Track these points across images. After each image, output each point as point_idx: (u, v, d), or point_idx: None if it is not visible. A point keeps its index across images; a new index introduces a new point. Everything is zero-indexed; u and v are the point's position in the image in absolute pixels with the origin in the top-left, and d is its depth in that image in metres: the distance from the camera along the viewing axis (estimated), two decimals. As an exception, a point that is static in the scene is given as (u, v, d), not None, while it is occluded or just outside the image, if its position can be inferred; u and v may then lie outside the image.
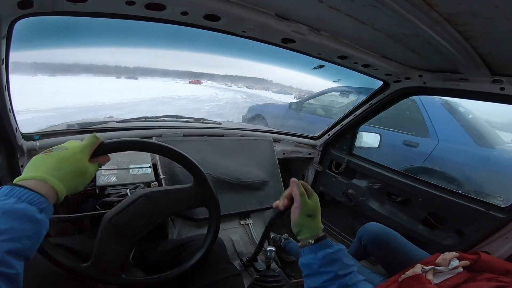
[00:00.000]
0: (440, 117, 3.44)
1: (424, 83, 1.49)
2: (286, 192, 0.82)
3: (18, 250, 0.48)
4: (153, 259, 1.18)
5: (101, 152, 0.72)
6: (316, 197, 0.81)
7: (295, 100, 5.72)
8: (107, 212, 0.96)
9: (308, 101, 5.70)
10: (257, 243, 1.73)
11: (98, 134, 0.70)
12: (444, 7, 0.72)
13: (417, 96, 3.32)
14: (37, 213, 0.52)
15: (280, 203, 0.82)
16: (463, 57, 1.06)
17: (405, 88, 1.61)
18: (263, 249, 1.72)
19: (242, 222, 1.83)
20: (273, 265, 1.54)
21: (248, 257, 1.56)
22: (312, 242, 0.75)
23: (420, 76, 1.48)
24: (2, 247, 0.46)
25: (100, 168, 0.74)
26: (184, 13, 0.91)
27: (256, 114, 6.05)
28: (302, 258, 0.76)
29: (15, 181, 0.56)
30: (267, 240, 1.86)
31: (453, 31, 0.84)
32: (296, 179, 0.80)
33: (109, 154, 0.77)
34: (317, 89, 5.76)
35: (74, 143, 0.67)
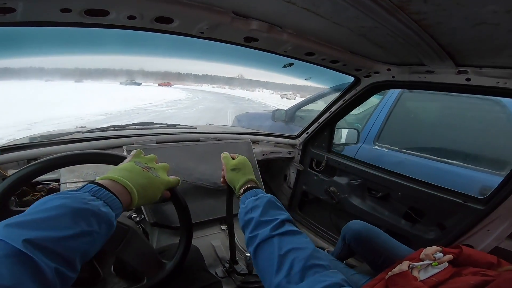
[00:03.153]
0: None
1: (393, 76, 1.49)
2: None
3: (90, 253, 0.48)
4: (131, 269, 1.15)
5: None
6: (240, 157, 0.93)
7: (283, 108, 3.96)
8: None
9: (304, 108, 4.01)
10: (240, 248, 1.69)
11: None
12: (394, -5, 0.71)
13: (508, 105, 1.98)
14: (114, 220, 0.54)
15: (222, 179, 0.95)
16: (425, 48, 1.05)
17: (376, 83, 1.61)
18: (243, 252, 1.69)
19: (223, 227, 1.80)
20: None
21: (227, 261, 1.52)
22: (242, 192, 0.81)
23: (388, 70, 1.48)
24: (80, 248, 0.45)
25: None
26: (132, 17, 0.86)
27: (241, 126, 4.49)
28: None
29: (102, 178, 0.60)
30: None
31: (408, 20, 0.82)
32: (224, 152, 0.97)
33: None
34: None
35: (165, 174, 0.75)
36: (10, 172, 1.27)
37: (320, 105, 3.94)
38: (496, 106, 2.03)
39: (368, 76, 1.60)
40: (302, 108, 3.93)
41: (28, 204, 1.24)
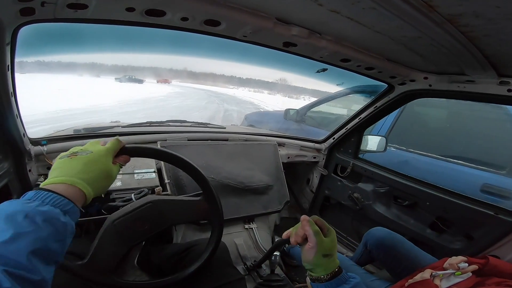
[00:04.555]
0: None
1: (430, 85, 1.47)
2: (298, 227, 0.73)
3: (43, 252, 0.47)
4: (157, 263, 1.19)
5: (121, 153, 0.74)
6: (333, 233, 0.73)
7: (294, 107, 3.91)
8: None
9: (314, 109, 4.04)
10: (261, 247, 1.72)
11: (120, 138, 0.73)
12: (445, 8, 0.71)
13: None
14: (61, 216, 0.52)
15: (292, 239, 0.74)
16: (468, 58, 1.04)
17: (410, 91, 1.59)
18: (264, 252, 1.71)
19: (246, 226, 1.82)
20: (277, 269, 1.52)
21: (252, 263, 1.55)
22: (327, 278, 0.69)
23: (426, 78, 1.46)
24: (25, 249, 0.45)
25: (121, 169, 0.75)
26: (184, 19, 0.92)
27: (250, 124, 4.58)
28: None
29: (41, 185, 0.57)
30: (271, 244, 1.85)
31: (456, 32, 0.82)
32: (307, 217, 0.72)
33: None
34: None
35: (98, 146, 0.68)
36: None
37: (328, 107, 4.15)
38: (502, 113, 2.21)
39: (403, 83, 1.58)
40: (313, 109, 3.99)
41: None
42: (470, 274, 0.98)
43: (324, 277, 0.69)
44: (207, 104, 16.09)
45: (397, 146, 2.80)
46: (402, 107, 2.59)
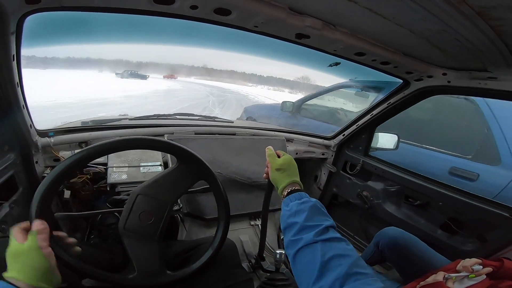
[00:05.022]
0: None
1: (449, 81, 1.40)
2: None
3: None
4: (163, 259, 1.18)
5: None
6: (286, 156, 0.90)
7: (290, 100, 4.27)
8: (115, 210, 1.01)
9: (309, 102, 4.38)
10: (267, 245, 1.70)
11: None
12: (477, 0, 0.66)
13: (480, 98, 2.33)
14: None
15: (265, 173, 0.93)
16: (494, 54, 0.98)
17: (427, 87, 1.53)
18: (270, 250, 1.69)
19: (252, 223, 1.80)
20: (283, 267, 1.50)
21: (255, 256, 1.53)
22: (285, 194, 0.80)
23: (444, 74, 1.39)
24: None
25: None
26: (194, 7, 0.88)
27: (249, 116, 5.05)
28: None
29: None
30: (277, 243, 1.83)
31: (484, 26, 0.77)
32: (270, 147, 0.93)
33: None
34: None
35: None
36: (62, 153, 1.35)
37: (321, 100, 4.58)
38: (473, 106, 2.41)
39: (419, 79, 1.52)
40: (307, 102, 4.37)
41: (74, 186, 1.31)
42: (485, 276, 0.94)
43: (284, 194, 0.81)
44: (184, 109, 13.20)
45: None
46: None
